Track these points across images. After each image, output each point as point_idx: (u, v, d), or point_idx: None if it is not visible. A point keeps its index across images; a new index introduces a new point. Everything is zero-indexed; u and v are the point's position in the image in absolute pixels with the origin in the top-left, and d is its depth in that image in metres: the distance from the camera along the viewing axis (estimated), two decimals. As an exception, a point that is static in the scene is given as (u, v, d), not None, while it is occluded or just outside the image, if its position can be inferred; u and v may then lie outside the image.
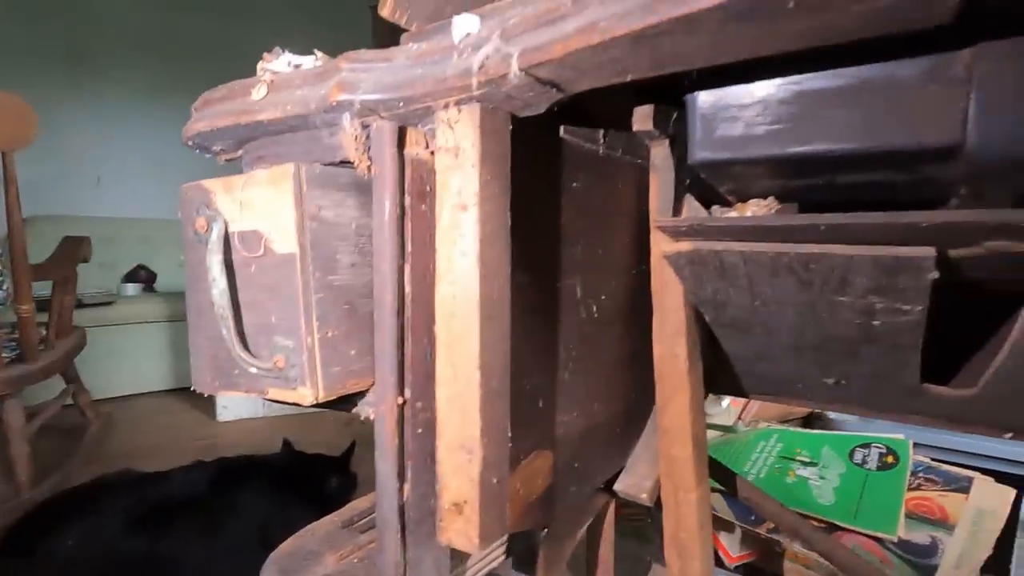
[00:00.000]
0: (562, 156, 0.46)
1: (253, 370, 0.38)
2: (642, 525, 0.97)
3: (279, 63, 0.38)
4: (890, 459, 1.16)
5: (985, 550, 0.96)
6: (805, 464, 1.20)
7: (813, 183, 0.42)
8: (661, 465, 0.58)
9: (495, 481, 0.38)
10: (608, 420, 0.57)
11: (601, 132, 0.50)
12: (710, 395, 1.12)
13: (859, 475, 1.13)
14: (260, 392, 0.38)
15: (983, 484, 1.09)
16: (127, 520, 1.23)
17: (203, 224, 0.38)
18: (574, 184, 0.47)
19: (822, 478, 1.15)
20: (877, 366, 0.55)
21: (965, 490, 1.10)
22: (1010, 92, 0.28)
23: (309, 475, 1.46)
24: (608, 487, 0.59)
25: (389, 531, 0.39)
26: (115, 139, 3.14)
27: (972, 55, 0.29)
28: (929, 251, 0.38)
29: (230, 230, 0.38)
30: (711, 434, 1.36)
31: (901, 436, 1.21)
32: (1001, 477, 1.14)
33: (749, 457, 1.24)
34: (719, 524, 1.09)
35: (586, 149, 0.49)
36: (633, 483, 0.58)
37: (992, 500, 1.06)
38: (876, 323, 0.49)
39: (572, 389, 0.51)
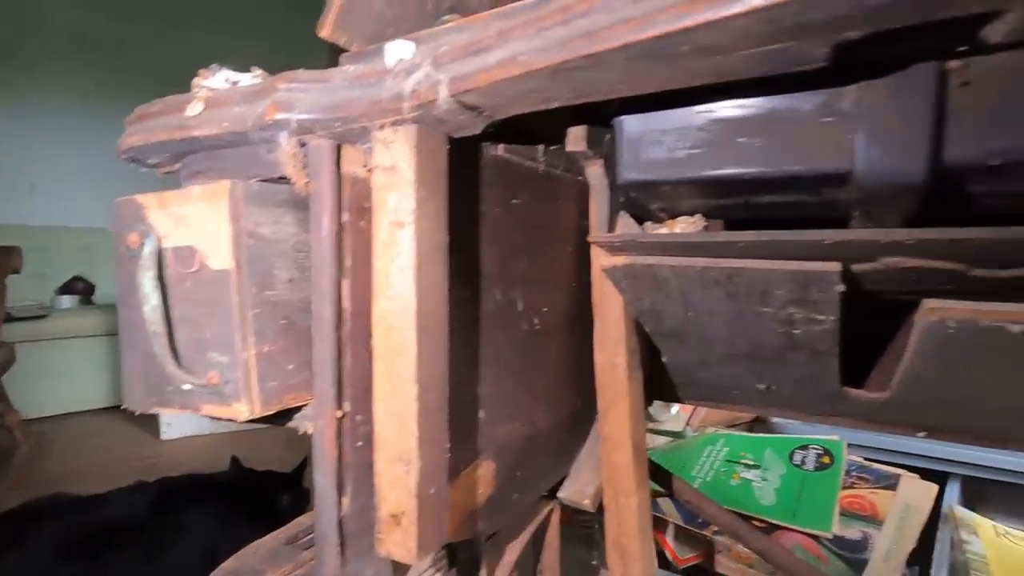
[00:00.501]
0: (502, 174, 0.47)
1: (186, 386, 0.37)
2: (591, 531, 0.99)
3: (216, 79, 0.39)
4: (826, 459, 1.22)
5: (910, 543, 1.03)
6: (749, 467, 1.25)
7: (733, 203, 0.45)
8: (603, 471, 0.60)
9: (433, 492, 0.39)
10: (552, 428, 0.58)
11: (541, 150, 0.52)
12: (659, 402, 1.15)
13: (798, 476, 1.19)
14: (194, 409, 0.38)
15: (909, 481, 1.16)
16: (59, 548, 1.17)
17: (136, 239, 0.37)
18: (514, 201, 0.49)
19: (764, 480, 1.20)
20: (802, 372, 0.59)
21: (893, 487, 1.17)
22: (889, 125, 0.31)
23: (259, 493, 1.42)
24: (553, 494, 0.61)
25: (328, 545, 0.39)
26: (51, 144, 2.99)
27: (858, 91, 0.32)
28: (835, 266, 0.41)
29: (164, 246, 0.38)
30: (661, 440, 1.40)
31: (836, 437, 1.28)
32: (926, 474, 1.21)
33: (697, 461, 1.28)
34: (668, 527, 1.12)
35: (526, 167, 0.51)
36: (576, 489, 0.59)
37: (917, 496, 1.13)
38: (796, 332, 0.52)
39: (515, 399, 0.52)
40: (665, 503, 1.16)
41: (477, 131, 0.37)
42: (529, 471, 0.55)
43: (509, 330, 0.50)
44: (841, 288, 0.42)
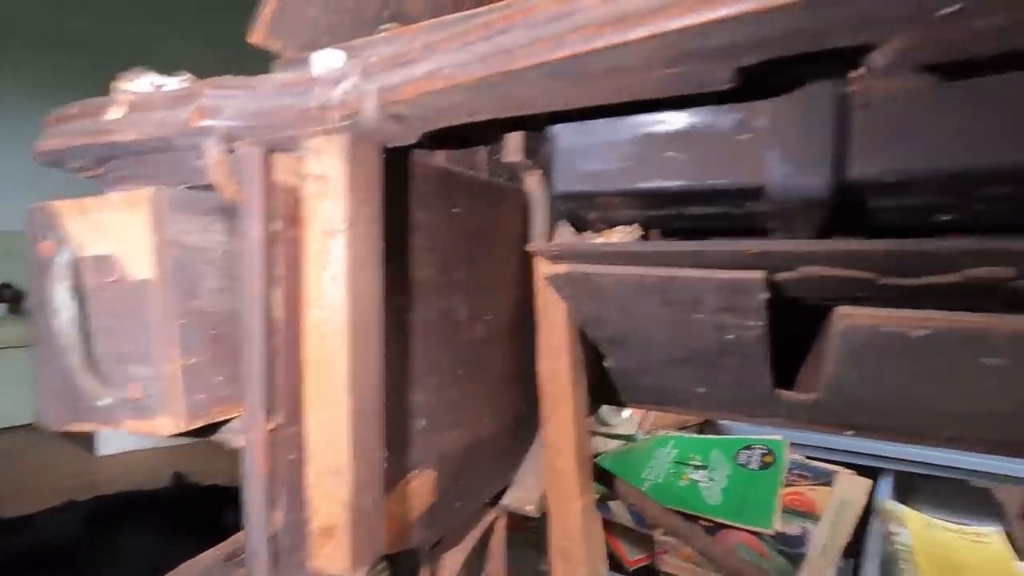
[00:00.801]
0: (442, 183, 0.48)
1: (105, 401, 0.36)
2: (542, 538, 1.00)
3: (140, 83, 0.37)
4: (769, 459, 1.27)
5: (845, 536, 1.08)
6: (697, 468, 1.28)
7: (667, 213, 0.46)
8: (546, 477, 0.61)
9: (368, 503, 0.38)
10: (496, 436, 0.59)
11: (484, 160, 0.52)
12: (610, 406, 1.16)
13: (742, 475, 1.23)
14: (114, 424, 0.37)
15: (844, 477, 1.22)
16: (-19, 573, 1.09)
17: (50, 247, 0.36)
18: (455, 209, 0.49)
19: (711, 480, 1.24)
20: (736, 375, 0.62)
21: (831, 483, 1.22)
22: (795, 142, 0.33)
23: (203, 509, 1.36)
24: (498, 500, 0.61)
25: (258, 561, 0.38)
26: (-24, 142, 2.81)
27: (769, 109, 0.34)
28: (759, 275, 0.43)
29: (83, 254, 0.36)
30: (613, 444, 1.42)
31: (779, 437, 1.33)
32: (862, 470, 1.28)
33: (648, 464, 1.31)
34: (619, 530, 1.14)
35: (468, 176, 0.51)
36: (520, 496, 0.60)
37: (852, 491, 1.19)
38: (729, 337, 0.54)
39: (458, 406, 0.52)
40: (617, 505, 1.17)
41: (411, 141, 0.37)
42: (472, 479, 0.55)
43: (450, 338, 0.50)
44: (765, 295, 0.45)
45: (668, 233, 0.55)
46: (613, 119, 0.42)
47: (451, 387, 0.51)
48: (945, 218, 0.38)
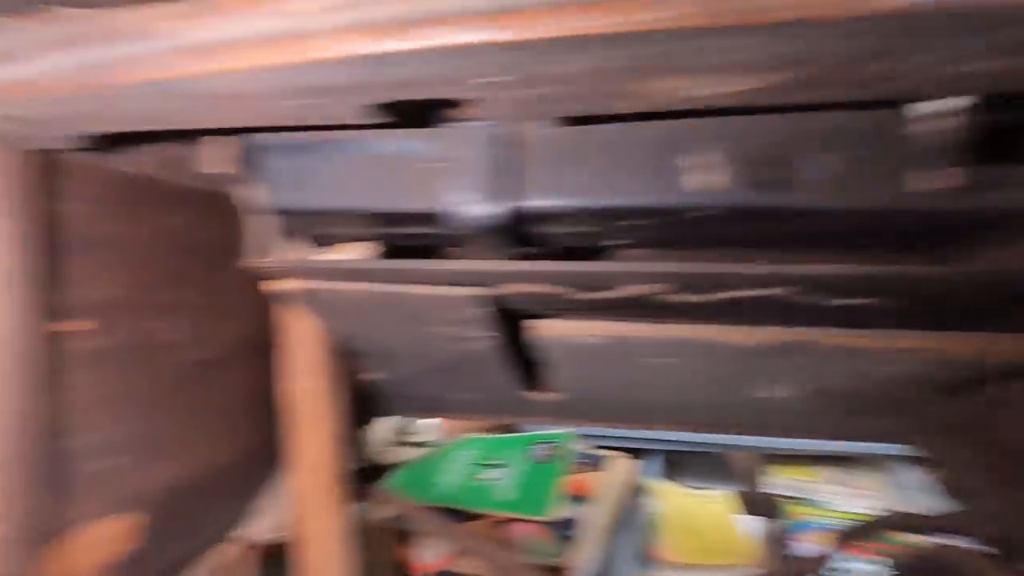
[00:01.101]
0: (134, 192, 0.43)
1: None
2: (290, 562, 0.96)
3: None
4: (557, 451, 1.38)
5: (614, 514, 1.22)
6: (493, 467, 1.35)
7: (390, 231, 0.47)
8: (295, 500, 0.58)
9: (17, 564, 0.33)
10: (231, 465, 0.55)
11: (201, 168, 0.48)
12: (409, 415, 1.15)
13: (533, 469, 1.32)
14: None
15: (616, 461, 1.38)
16: None
17: None
18: (162, 222, 0.45)
19: (506, 477, 1.31)
20: (485, 381, 0.65)
21: (605, 467, 1.38)
22: (462, 173, 0.37)
23: None
24: (239, 530, 0.57)
25: None
26: None
27: (445, 142, 0.37)
28: (474, 290, 0.46)
29: None
30: (412, 452, 1.42)
31: (569, 430, 1.45)
32: (640, 453, 1.46)
33: (446, 468, 1.34)
34: (412, 537, 1.14)
35: (183, 186, 0.47)
36: (266, 523, 0.57)
37: (621, 473, 1.35)
38: (469, 348, 0.57)
39: (171, 439, 0.47)
40: (411, 514, 1.18)
41: (61, 145, 0.33)
42: (199, 515, 0.51)
43: (164, 362, 0.46)
44: (484, 308, 0.48)
45: (405, 249, 0.57)
46: (325, 138, 0.41)
47: (159, 419, 0.46)
48: (613, 242, 0.45)
